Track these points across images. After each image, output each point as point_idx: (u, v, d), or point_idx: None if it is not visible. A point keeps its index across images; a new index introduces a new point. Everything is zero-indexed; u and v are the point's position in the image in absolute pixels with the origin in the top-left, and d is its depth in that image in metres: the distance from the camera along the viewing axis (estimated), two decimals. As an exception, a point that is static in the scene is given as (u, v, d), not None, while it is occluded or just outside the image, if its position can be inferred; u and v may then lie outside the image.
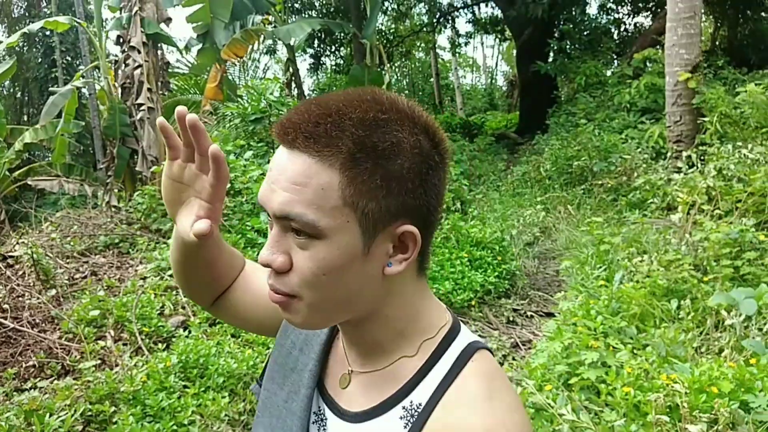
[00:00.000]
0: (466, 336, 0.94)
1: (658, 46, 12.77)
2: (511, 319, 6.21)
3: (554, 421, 3.10)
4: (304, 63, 26.78)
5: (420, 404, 0.86)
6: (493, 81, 39.52)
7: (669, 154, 9.42)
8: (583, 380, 3.41)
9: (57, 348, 4.76)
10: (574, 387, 3.43)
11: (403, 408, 0.88)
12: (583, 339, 3.75)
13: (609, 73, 16.56)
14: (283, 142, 0.83)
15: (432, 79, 28.25)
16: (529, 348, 5.39)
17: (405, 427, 0.86)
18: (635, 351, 3.80)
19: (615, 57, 17.93)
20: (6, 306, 5.39)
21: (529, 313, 6.35)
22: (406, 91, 31.81)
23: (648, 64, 13.08)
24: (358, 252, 0.82)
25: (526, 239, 8.41)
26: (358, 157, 0.79)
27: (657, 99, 12.00)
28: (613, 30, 18.74)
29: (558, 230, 8.69)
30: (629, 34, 19.13)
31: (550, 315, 6.04)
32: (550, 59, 17.62)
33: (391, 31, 26.70)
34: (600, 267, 5.77)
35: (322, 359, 1.02)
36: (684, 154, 8.76)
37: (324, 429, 0.96)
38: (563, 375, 3.64)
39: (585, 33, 17.42)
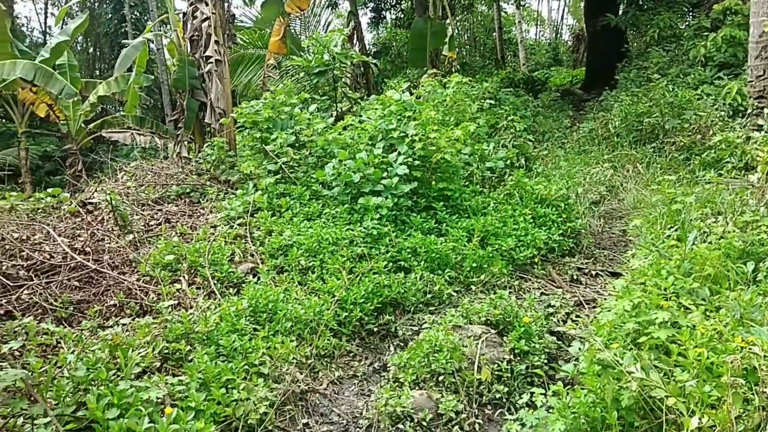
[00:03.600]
0: None
1: (741, -4, 11.96)
2: (575, 277, 6.14)
3: (622, 379, 3.07)
4: (364, 17, 26.45)
5: None
6: (558, 35, 38.04)
7: (749, 111, 8.92)
8: (653, 339, 3.34)
9: (136, 289, 5.03)
10: (643, 346, 3.38)
11: None
12: (653, 298, 3.66)
13: (684, 25, 15.67)
14: None
15: (494, 34, 27.38)
16: (594, 307, 5.33)
17: None
18: (708, 313, 3.70)
19: (691, 8, 16.90)
20: (88, 249, 5.71)
21: (593, 273, 6.25)
22: (468, 46, 31.05)
23: (728, 15, 12.27)
24: None
25: (591, 198, 8.20)
26: None
27: (737, 53, 11.31)
28: (690, -21, 17.61)
29: (626, 189, 8.43)
30: (709, -17, 17.92)
31: (615, 275, 5.93)
32: (621, 11, 16.77)
33: (454, -18, 25.89)
34: (671, 227, 5.59)
35: None
36: (766, 111, 8.28)
37: None
38: (631, 334, 3.58)
39: (660, -18, 16.44)
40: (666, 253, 4.81)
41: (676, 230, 5.47)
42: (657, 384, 2.97)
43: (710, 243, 4.73)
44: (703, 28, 13.20)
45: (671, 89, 10.85)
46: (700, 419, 2.73)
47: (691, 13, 16.82)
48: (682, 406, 2.84)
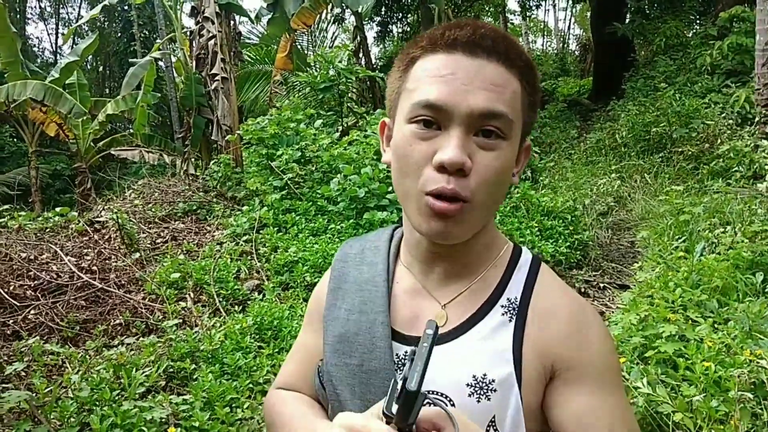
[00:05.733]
0: (525, 249, 1.13)
1: (746, 4, 11.91)
2: (582, 290, 6.08)
3: (629, 394, 3.03)
4: (371, 32, 26.61)
5: (516, 298, 1.02)
6: (565, 45, 38.04)
7: (756, 119, 8.85)
8: (660, 354, 3.30)
9: (141, 308, 5.04)
10: (650, 360, 3.34)
11: (502, 306, 1.02)
12: (660, 311, 3.63)
13: (691, 33, 15.62)
14: (471, 51, 0.91)
15: (502, 45, 27.42)
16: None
17: (509, 319, 1.00)
18: (716, 325, 3.65)
19: (698, 16, 16.84)
20: (95, 268, 5.75)
21: (601, 285, 6.19)
22: (475, 58, 31.16)
23: (735, 22, 12.23)
24: (513, 158, 0.97)
25: (599, 209, 8.14)
26: (527, 74, 0.95)
27: (744, 60, 11.24)
28: (696, -13, 17.59)
29: (633, 200, 8.38)
30: (715, -8, 17.89)
31: (624, 287, 5.88)
32: (627, 20, 16.75)
33: (460, -5, 26.02)
34: (679, 238, 5.54)
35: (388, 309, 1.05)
36: (774, 119, 8.23)
37: None
38: (638, 348, 3.54)
39: (665, -9, 16.43)
40: (674, 265, 4.76)
41: (684, 241, 5.42)
42: (664, 399, 2.93)
43: (719, 254, 4.67)
44: (710, 36, 13.14)
45: (678, 98, 10.80)
46: (707, 435, 2.68)
47: (697, 21, 16.76)
48: (689, 421, 2.79)
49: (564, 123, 14.96)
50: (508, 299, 1.02)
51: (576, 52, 33.26)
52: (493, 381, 0.95)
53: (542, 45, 41.09)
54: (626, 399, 1.00)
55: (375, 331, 1.03)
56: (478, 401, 0.94)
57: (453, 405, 0.95)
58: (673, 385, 3.11)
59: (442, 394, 0.96)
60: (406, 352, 1.01)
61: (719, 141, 8.79)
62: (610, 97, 14.73)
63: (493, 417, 0.95)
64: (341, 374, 1.04)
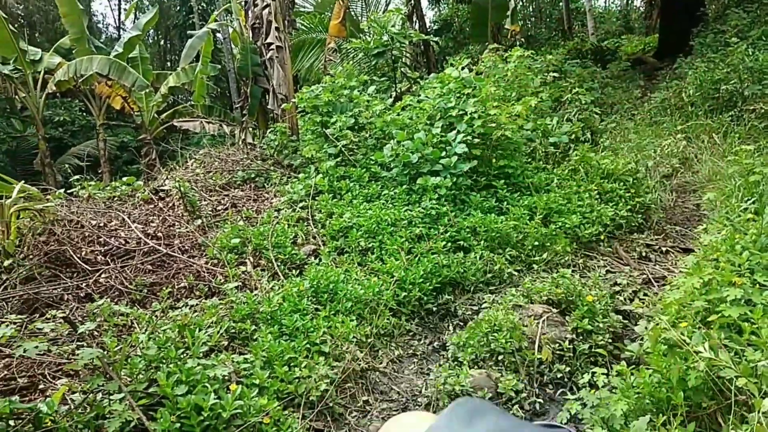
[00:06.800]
0: None
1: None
2: (644, 254, 5.91)
3: (689, 359, 2.95)
4: (425, -6, 26.12)
5: None
6: (630, 1, 36.23)
7: (840, 73, 8.25)
8: (724, 318, 3.19)
9: (204, 271, 5.24)
10: (712, 325, 3.23)
11: None
12: (725, 275, 3.48)
13: (768, -17, 14.56)
14: None
15: (561, 3, 26.39)
16: (663, 285, 5.12)
17: None
18: (787, 289, 3.48)
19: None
20: (160, 234, 5.99)
21: (664, 249, 5.99)
22: (533, 18, 30.12)
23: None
24: None
25: (663, 171, 7.83)
26: None
27: (828, 9, 10.44)
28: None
29: (700, 161, 8.00)
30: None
31: (688, 251, 5.67)
32: (698, -29, 15.76)
33: (517, -48, 25.08)
34: (748, 199, 5.27)
35: None
36: None
37: None
38: (701, 312, 3.42)
39: (741, -62, 15.31)
40: (741, 228, 4.54)
41: (753, 203, 5.15)
42: (726, 364, 2.83)
43: (791, 215, 4.43)
44: (789, -16, 12.25)
45: (751, 53, 10.13)
46: (773, 401, 2.59)
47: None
48: (753, 386, 2.70)
49: (627, 83, 14.34)
50: None
51: (641, 9, 31.62)
52: None
53: (605, 2, 39.26)
54: None
55: None
56: None
57: None
58: (736, 350, 3.00)
59: None
60: None
61: (796, 97, 8.24)
62: (677, 55, 13.97)
63: None
64: None
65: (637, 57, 18.07)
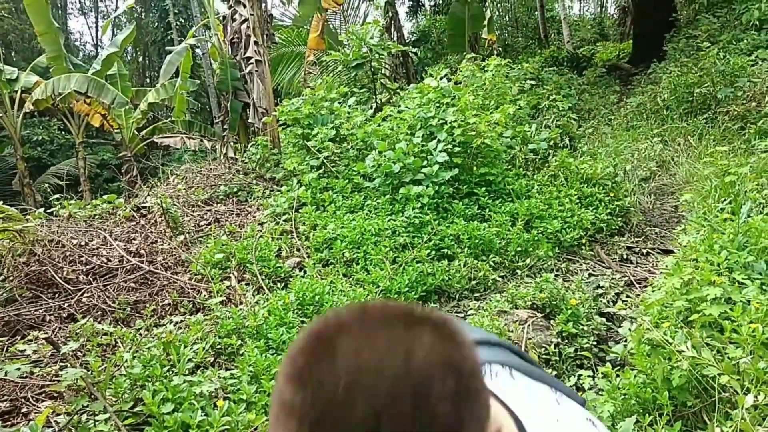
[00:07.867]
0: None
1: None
2: (625, 257, 5.99)
3: (672, 358, 2.99)
4: (402, 6, 26.32)
5: None
6: (603, 9, 36.81)
7: (808, 75, 8.46)
8: (705, 317, 3.24)
9: (188, 288, 5.20)
10: (694, 324, 3.28)
11: None
12: (705, 274, 3.54)
13: (737, -12, 14.91)
14: None
15: (536, 12, 26.77)
16: (645, 286, 5.19)
17: None
18: (764, 287, 3.55)
19: (744, -31, 16.05)
20: (142, 251, 5.94)
21: (644, 251, 6.08)
22: (509, 27, 30.49)
23: (785, -26, 11.61)
24: None
25: (641, 174, 7.95)
26: None
27: (795, 13, 10.72)
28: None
29: (677, 163, 8.14)
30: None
31: (668, 252, 5.75)
32: (669, -22, 16.09)
33: (492, -37, 25.46)
34: (724, 200, 5.37)
35: None
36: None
37: None
38: (682, 312, 3.48)
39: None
40: (719, 227, 4.63)
41: (729, 203, 5.25)
42: (709, 362, 2.88)
43: (766, 215, 4.52)
44: (757, -11, 12.53)
45: (723, 57, 10.36)
46: (755, 396, 2.63)
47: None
48: (736, 383, 2.75)
49: (603, 89, 14.56)
50: None
51: (614, 16, 32.17)
52: None
53: (579, 10, 39.87)
54: None
55: None
56: None
57: None
58: (718, 348, 3.05)
59: None
60: None
61: (767, 99, 8.43)
62: (651, 60, 14.25)
63: None
64: None
65: (613, 63, 18.37)
